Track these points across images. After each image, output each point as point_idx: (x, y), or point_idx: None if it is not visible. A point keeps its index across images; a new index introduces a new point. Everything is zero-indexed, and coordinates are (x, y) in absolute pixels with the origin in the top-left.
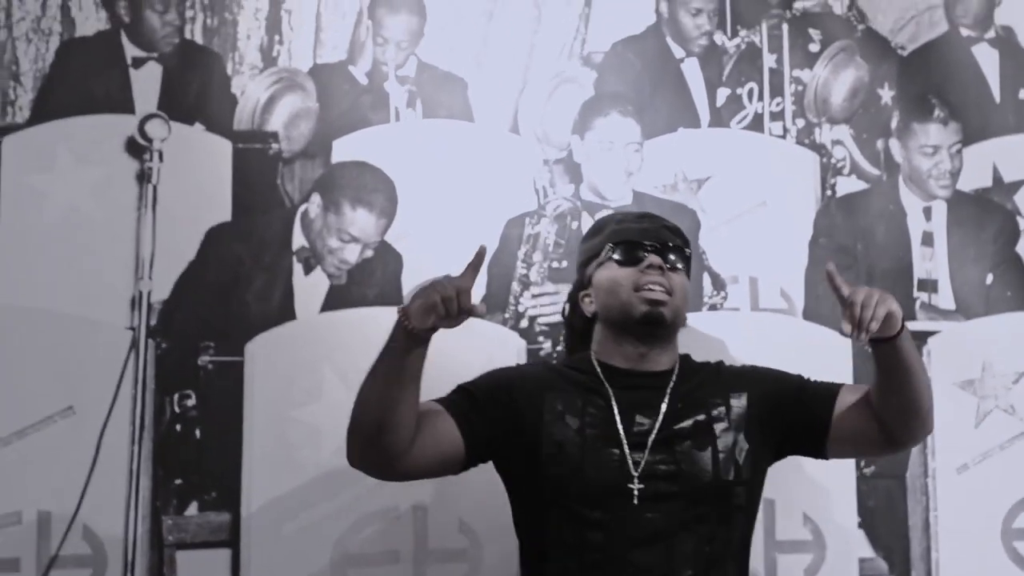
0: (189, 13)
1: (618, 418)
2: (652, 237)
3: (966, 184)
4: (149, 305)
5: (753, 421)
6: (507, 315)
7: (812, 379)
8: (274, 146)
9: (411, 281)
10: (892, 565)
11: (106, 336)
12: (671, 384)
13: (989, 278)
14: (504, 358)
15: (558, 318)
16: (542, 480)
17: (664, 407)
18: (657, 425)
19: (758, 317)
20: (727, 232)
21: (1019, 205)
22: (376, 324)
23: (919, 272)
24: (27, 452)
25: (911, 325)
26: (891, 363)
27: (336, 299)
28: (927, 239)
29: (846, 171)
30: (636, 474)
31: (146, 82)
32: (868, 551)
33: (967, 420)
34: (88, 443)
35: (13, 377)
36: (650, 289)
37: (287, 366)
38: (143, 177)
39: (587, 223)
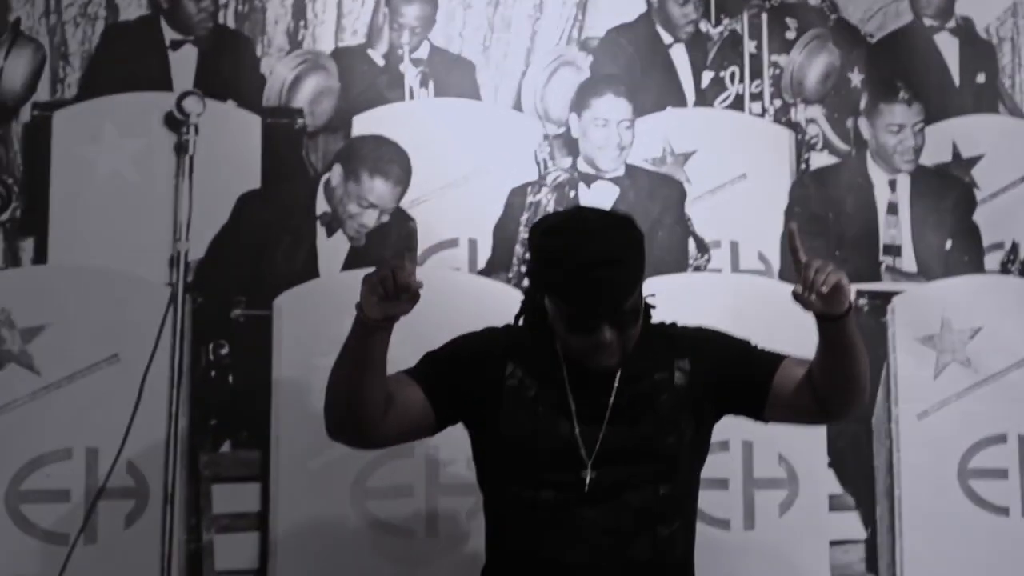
0: (222, 0)
1: (569, 387)
2: (605, 304)
3: (928, 159)
4: (186, 264)
5: (696, 384)
6: (511, 275)
7: (758, 347)
8: (299, 121)
9: (424, 243)
10: (859, 501)
11: (148, 292)
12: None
13: (948, 244)
14: (509, 312)
15: None
16: (500, 442)
17: (612, 375)
18: (606, 393)
19: (738, 278)
20: (710, 201)
21: (975, 179)
22: None
23: (884, 238)
24: (77, 395)
25: (877, 287)
26: (834, 341)
27: (356, 259)
28: (892, 208)
29: (819, 147)
30: (585, 438)
31: (183, 63)
32: (837, 488)
33: (927, 371)
34: (132, 388)
35: (64, 328)
36: (598, 359)
37: (311, 319)
38: (180, 148)
39: (583, 192)
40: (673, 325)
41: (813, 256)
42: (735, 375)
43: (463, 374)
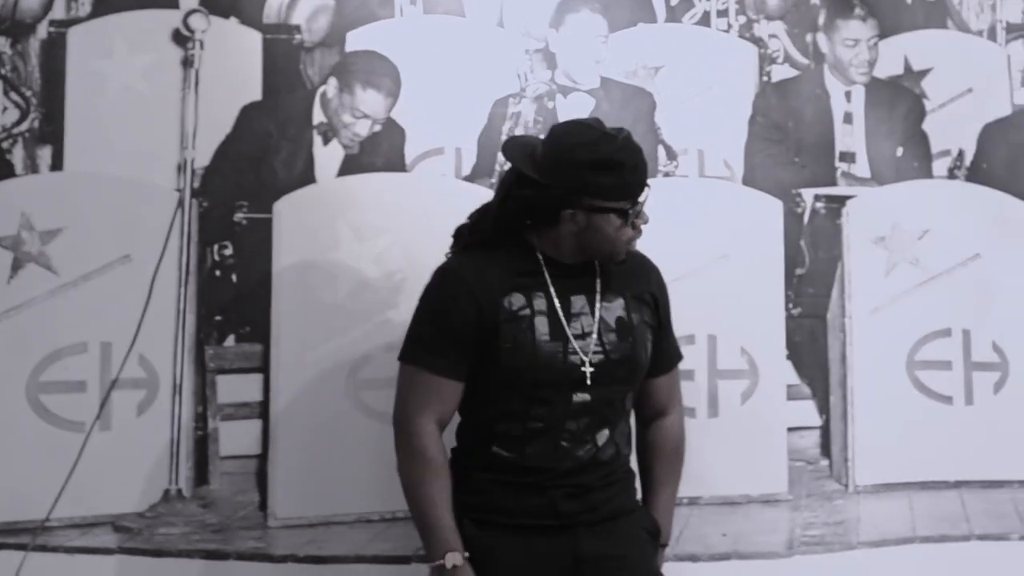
0: None
1: (561, 315)
2: (642, 190)
3: (881, 72)
4: (193, 171)
5: (654, 322)
6: (493, 180)
7: (670, 337)
8: (297, 37)
9: (412, 151)
10: (814, 390)
11: (157, 197)
12: (596, 274)
13: (899, 151)
14: None
15: None
16: (500, 370)
17: (592, 299)
18: (591, 319)
19: (704, 183)
20: (679, 111)
21: (925, 90)
22: (383, 187)
23: (840, 146)
24: (91, 293)
25: (833, 191)
26: None
27: (350, 166)
28: (847, 118)
29: (780, 60)
30: (576, 362)
31: None
32: (794, 378)
33: (878, 270)
34: (142, 286)
35: (80, 230)
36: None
37: (309, 222)
38: (187, 63)
39: (561, 103)
40: (638, 258)
41: None
42: (657, 340)
43: (470, 340)
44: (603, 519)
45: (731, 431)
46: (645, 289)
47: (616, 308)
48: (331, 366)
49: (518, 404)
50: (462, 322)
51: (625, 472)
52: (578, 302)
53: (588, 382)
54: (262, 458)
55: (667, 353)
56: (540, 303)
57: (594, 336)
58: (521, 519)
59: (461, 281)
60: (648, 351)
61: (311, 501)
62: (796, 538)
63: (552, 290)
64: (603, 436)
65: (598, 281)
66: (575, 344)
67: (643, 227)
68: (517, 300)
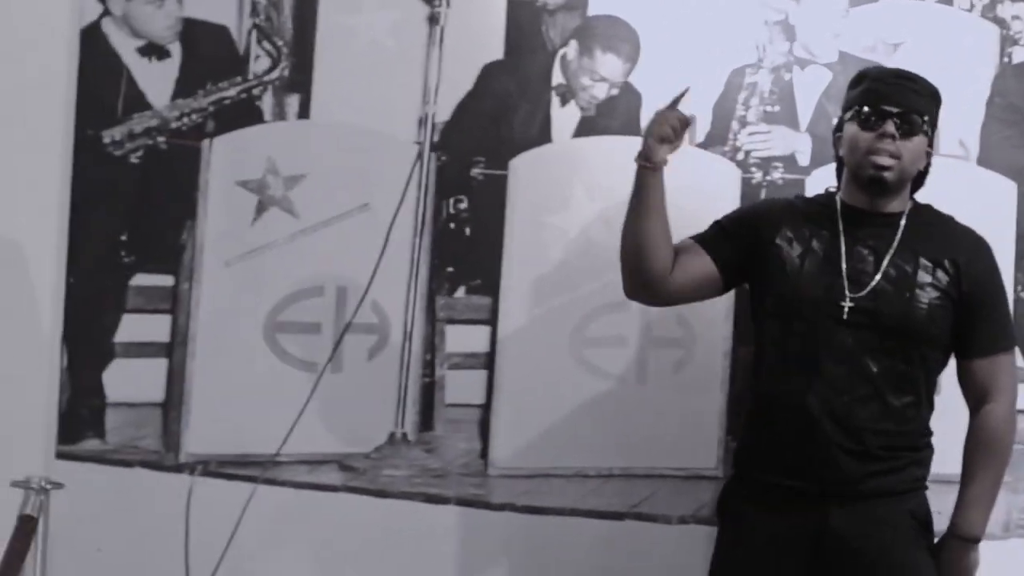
0: None
1: (843, 252)
2: (895, 102)
3: None
4: (433, 125)
5: (951, 291)
6: (726, 148)
7: (990, 317)
8: None
9: (648, 115)
10: None
11: (398, 149)
12: (899, 230)
13: None
14: (722, 184)
15: (768, 152)
16: (766, 294)
17: (884, 251)
18: (870, 265)
19: (937, 161)
20: None
21: None
22: (618, 150)
23: None
24: (330, 238)
25: None
26: None
27: (586, 128)
28: None
29: (1022, 42)
30: (840, 302)
31: None
32: (1020, 361)
33: None
34: (379, 234)
35: (322, 177)
36: (878, 154)
37: (543, 180)
38: (433, 20)
39: (798, 75)
40: (953, 223)
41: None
42: (968, 318)
43: (742, 239)
44: (859, 497)
45: (947, 411)
46: (948, 255)
47: (905, 264)
48: (557, 322)
49: (779, 333)
50: (738, 225)
51: (903, 452)
52: (865, 252)
53: (847, 322)
54: (486, 408)
55: (984, 333)
56: (821, 243)
57: (871, 286)
58: (772, 477)
59: (763, 201)
60: (937, 319)
61: (531, 453)
62: (1013, 520)
63: (841, 235)
64: (862, 392)
65: (897, 238)
66: (845, 282)
67: (900, 148)
68: (798, 232)
